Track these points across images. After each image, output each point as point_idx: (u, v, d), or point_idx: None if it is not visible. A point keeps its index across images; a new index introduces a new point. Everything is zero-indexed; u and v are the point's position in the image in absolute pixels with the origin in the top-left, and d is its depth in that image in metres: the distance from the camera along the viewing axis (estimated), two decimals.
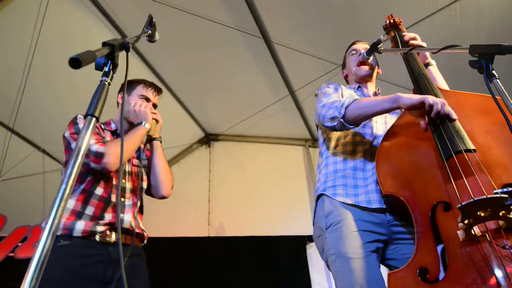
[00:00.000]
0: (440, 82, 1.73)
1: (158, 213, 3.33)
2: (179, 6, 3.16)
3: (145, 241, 1.76)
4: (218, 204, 4.69)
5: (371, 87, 1.87)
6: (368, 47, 1.87)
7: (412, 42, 1.76)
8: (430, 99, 1.31)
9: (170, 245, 3.98)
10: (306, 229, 3.93)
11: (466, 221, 1.08)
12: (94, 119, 0.80)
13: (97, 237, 1.51)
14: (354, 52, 1.89)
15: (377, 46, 1.72)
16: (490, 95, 1.02)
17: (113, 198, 1.62)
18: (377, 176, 1.42)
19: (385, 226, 1.45)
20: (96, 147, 1.54)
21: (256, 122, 4.58)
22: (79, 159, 0.73)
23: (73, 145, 1.60)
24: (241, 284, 3.78)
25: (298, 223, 4.13)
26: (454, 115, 1.31)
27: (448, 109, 1.31)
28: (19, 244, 3.56)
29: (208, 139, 5.06)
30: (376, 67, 1.92)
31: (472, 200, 1.08)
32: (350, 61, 1.89)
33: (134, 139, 1.67)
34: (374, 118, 1.67)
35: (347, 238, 1.40)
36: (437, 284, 1.10)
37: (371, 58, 1.81)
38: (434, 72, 1.76)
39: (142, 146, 1.89)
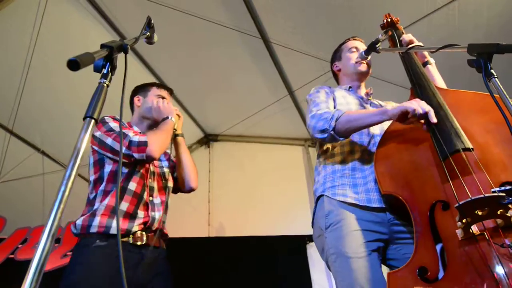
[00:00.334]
0: (438, 80, 1.73)
1: None
2: (178, 7, 3.16)
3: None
4: (218, 205, 4.69)
5: (363, 87, 1.88)
6: (364, 46, 1.88)
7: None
8: (411, 106, 1.33)
9: (170, 245, 3.97)
10: (306, 228, 3.90)
11: (464, 220, 1.09)
12: (93, 121, 0.80)
13: (130, 239, 1.55)
14: (354, 49, 1.88)
15: (375, 46, 1.72)
16: (488, 93, 1.02)
17: (144, 195, 1.67)
18: (375, 175, 1.43)
19: (386, 225, 1.45)
20: (138, 138, 1.61)
21: (256, 122, 4.58)
22: (78, 161, 0.73)
23: (107, 141, 1.63)
24: (241, 284, 3.77)
25: (298, 223, 4.13)
26: (434, 119, 1.32)
27: (429, 108, 1.32)
28: (19, 245, 3.56)
29: (208, 139, 5.06)
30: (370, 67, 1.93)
31: (469, 199, 1.08)
32: (349, 58, 1.87)
33: (167, 131, 1.74)
34: None
35: (347, 237, 1.40)
36: (437, 283, 1.10)
37: (369, 57, 1.81)
38: (433, 71, 1.76)
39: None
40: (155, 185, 1.77)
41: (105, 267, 1.43)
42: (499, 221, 1.09)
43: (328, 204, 1.53)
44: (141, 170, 1.70)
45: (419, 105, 1.33)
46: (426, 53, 1.82)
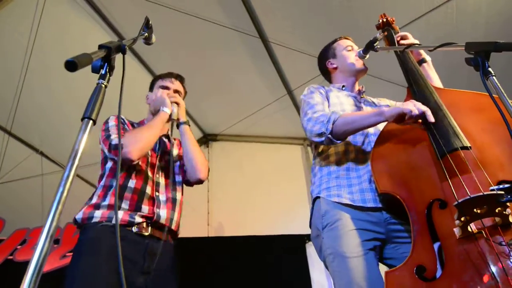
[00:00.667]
0: (434, 79, 1.73)
1: None
2: (176, 7, 3.17)
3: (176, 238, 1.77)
4: (217, 204, 4.69)
5: (356, 85, 1.88)
6: (353, 44, 1.88)
7: (402, 42, 1.77)
8: (407, 107, 1.33)
9: None
10: (306, 228, 3.87)
11: (462, 218, 1.09)
12: (91, 121, 0.80)
13: (134, 228, 1.52)
14: (350, 48, 1.88)
15: (373, 44, 1.72)
16: (485, 93, 1.03)
17: (148, 190, 1.63)
18: (372, 175, 1.43)
19: (383, 225, 1.45)
20: (115, 140, 1.57)
21: (255, 122, 4.59)
22: (76, 162, 0.73)
23: (100, 141, 1.64)
24: (241, 283, 3.77)
25: (297, 222, 4.12)
26: (432, 119, 1.32)
27: (425, 109, 1.33)
28: (18, 246, 3.56)
29: (207, 139, 5.06)
30: None
31: (468, 197, 1.08)
32: (346, 56, 1.86)
33: (153, 126, 1.65)
34: None
35: (344, 237, 1.41)
36: (435, 282, 1.10)
37: (367, 56, 1.81)
38: (428, 70, 1.76)
39: (173, 140, 1.90)
40: (162, 180, 1.72)
41: (109, 240, 1.41)
42: (497, 219, 1.09)
43: (324, 204, 1.53)
44: (144, 166, 1.66)
45: (415, 106, 1.33)
46: (422, 51, 1.82)
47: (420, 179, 1.31)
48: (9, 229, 3.69)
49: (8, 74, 3.38)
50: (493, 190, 1.09)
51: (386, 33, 1.84)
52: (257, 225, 4.26)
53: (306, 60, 3.56)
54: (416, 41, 1.76)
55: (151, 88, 1.95)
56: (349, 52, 1.86)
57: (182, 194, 1.82)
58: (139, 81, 2.07)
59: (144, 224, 1.55)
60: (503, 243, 1.04)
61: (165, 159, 1.80)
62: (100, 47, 0.93)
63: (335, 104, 1.71)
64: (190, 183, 1.83)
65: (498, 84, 1.02)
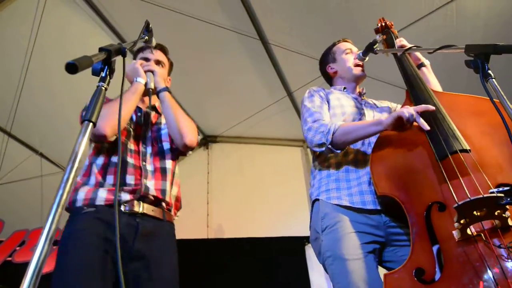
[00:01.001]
0: (433, 83, 1.74)
1: None
2: (176, 9, 3.17)
3: (177, 213, 1.66)
4: (217, 206, 4.69)
5: (356, 87, 1.88)
6: (353, 46, 1.89)
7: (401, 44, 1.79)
8: (404, 113, 1.34)
9: None
10: (305, 230, 3.87)
11: (462, 221, 1.09)
12: (91, 124, 0.80)
13: (123, 207, 1.42)
14: (349, 51, 1.88)
15: (373, 47, 1.73)
16: (483, 97, 1.03)
17: (133, 161, 1.52)
18: (371, 177, 1.43)
19: (382, 228, 1.45)
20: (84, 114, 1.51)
21: (254, 123, 4.59)
22: (76, 164, 0.73)
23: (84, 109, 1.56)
24: (240, 285, 3.77)
25: (297, 224, 4.13)
26: (426, 126, 1.33)
27: (424, 109, 1.34)
28: (17, 248, 3.55)
29: (206, 140, 5.07)
30: None
31: (468, 199, 1.09)
32: (345, 60, 1.86)
33: (127, 98, 1.53)
34: (363, 118, 1.69)
35: (343, 239, 1.41)
36: (434, 284, 1.10)
37: (366, 58, 1.82)
38: (428, 74, 1.77)
39: (157, 108, 1.79)
40: (148, 150, 1.61)
41: (93, 229, 1.33)
42: (496, 222, 1.09)
43: (324, 207, 1.54)
44: (127, 140, 1.57)
45: (410, 110, 1.35)
46: (420, 55, 1.83)
47: (419, 181, 1.31)
48: (8, 230, 3.69)
49: (8, 75, 3.38)
50: (492, 192, 1.09)
51: (385, 36, 1.85)
52: (257, 227, 4.26)
53: (305, 62, 3.56)
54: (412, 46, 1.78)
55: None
56: (347, 55, 1.87)
57: (175, 164, 1.69)
58: None
59: (135, 203, 1.43)
60: (502, 245, 1.05)
61: (152, 129, 1.69)
62: (101, 49, 0.93)
63: (335, 106, 1.71)
64: (180, 152, 1.69)
65: (498, 87, 1.02)
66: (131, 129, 1.63)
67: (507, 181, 1.17)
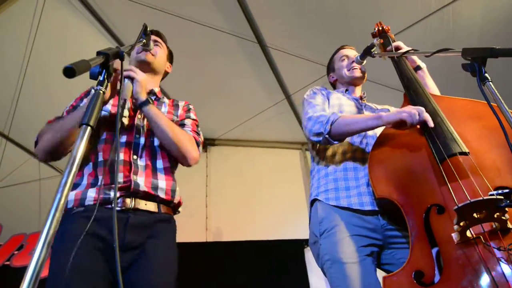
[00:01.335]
0: (431, 86, 1.75)
1: None
2: (175, 12, 3.18)
3: (179, 209, 1.59)
4: (216, 209, 4.68)
5: (358, 90, 1.90)
6: (355, 52, 1.91)
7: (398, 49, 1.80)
8: (406, 112, 1.34)
9: None
10: (304, 233, 3.86)
11: (462, 223, 1.09)
12: (89, 128, 0.80)
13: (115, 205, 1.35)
14: (344, 58, 1.92)
15: (370, 50, 1.74)
16: (480, 101, 1.04)
17: (124, 156, 1.43)
18: (370, 180, 1.43)
19: (380, 231, 1.45)
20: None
21: (253, 126, 4.59)
22: (74, 168, 0.73)
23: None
24: None
25: (296, 227, 4.12)
26: (431, 123, 1.33)
27: (426, 115, 1.35)
28: (15, 252, 3.53)
29: (205, 144, 5.06)
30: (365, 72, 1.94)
31: (468, 201, 1.09)
32: (341, 67, 1.91)
33: (74, 115, 1.50)
34: None
35: (341, 243, 1.41)
36: (433, 287, 1.10)
37: (364, 62, 1.83)
38: (424, 77, 1.79)
39: (165, 99, 1.72)
40: (142, 141, 1.50)
41: (81, 227, 1.25)
42: (495, 224, 1.09)
43: (322, 210, 1.54)
44: (113, 133, 1.48)
45: (415, 112, 1.34)
46: (416, 58, 1.84)
47: (418, 184, 1.31)
48: (7, 234, 3.67)
49: (6, 78, 3.37)
50: (492, 195, 1.09)
51: (382, 40, 1.87)
52: (256, 230, 4.24)
53: (304, 65, 3.58)
54: (408, 49, 1.79)
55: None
56: (342, 62, 1.92)
57: (170, 160, 1.56)
58: None
59: (127, 199, 1.38)
60: (502, 248, 1.05)
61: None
62: (99, 53, 0.93)
63: (334, 105, 1.74)
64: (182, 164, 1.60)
65: (495, 90, 1.03)
66: (125, 118, 1.52)
67: (506, 184, 1.17)
